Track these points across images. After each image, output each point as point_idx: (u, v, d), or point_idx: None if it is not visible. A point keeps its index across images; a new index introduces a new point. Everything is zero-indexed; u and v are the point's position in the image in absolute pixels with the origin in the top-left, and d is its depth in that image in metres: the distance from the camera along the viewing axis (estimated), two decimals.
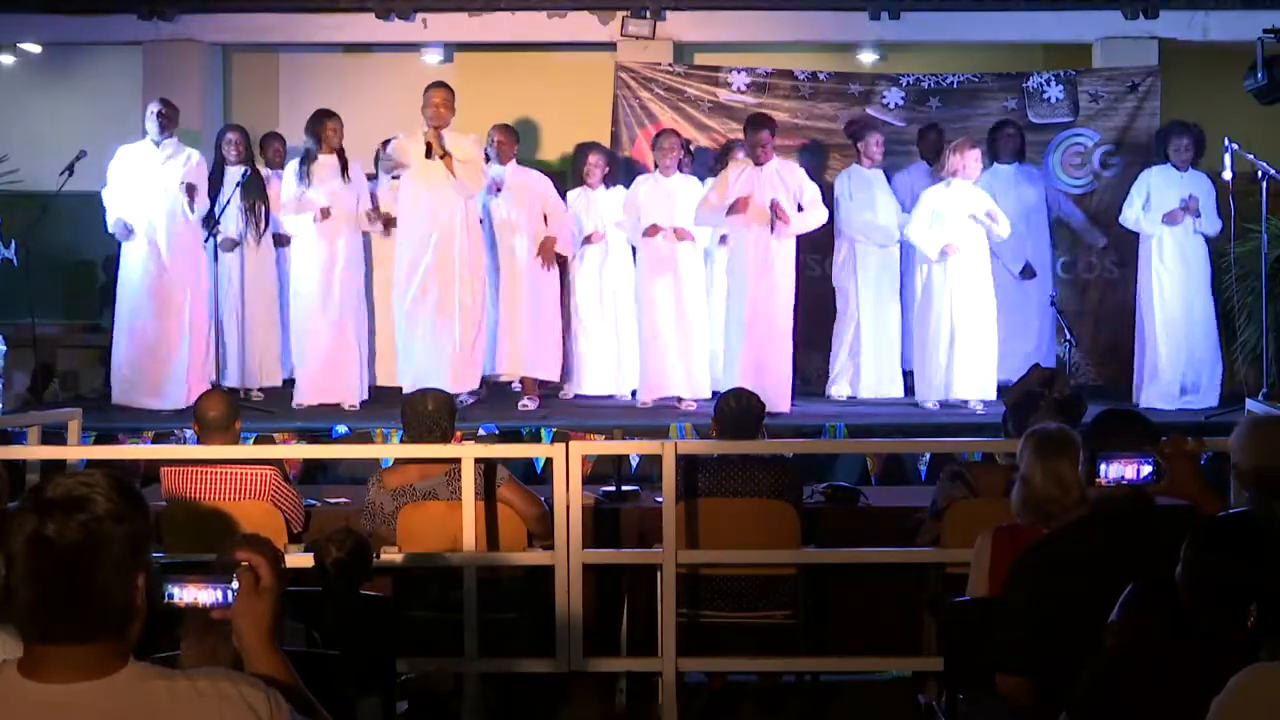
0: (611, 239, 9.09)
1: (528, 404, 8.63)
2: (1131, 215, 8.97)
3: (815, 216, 8.55)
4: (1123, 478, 3.43)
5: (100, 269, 10.79)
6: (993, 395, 8.59)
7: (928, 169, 9.41)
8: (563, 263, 9.08)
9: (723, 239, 8.91)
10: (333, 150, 8.64)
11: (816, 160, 10.02)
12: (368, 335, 8.88)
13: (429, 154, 8.06)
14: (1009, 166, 9.40)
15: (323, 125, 8.61)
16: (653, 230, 8.63)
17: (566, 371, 9.10)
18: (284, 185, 8.78)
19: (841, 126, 9.99)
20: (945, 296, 8.74)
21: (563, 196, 9.06)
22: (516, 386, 8.92)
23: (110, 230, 8.63)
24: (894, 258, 9.26)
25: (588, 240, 9.06)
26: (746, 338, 8.44)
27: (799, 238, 8.79)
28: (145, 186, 8.55)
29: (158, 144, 8.59)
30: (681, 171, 8.94)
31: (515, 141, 8.94)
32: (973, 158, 8.67)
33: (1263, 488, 3.58)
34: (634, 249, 8.99)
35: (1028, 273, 9.37)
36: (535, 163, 10.64)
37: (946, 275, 8.74)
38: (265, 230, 8.90)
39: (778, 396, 8.27)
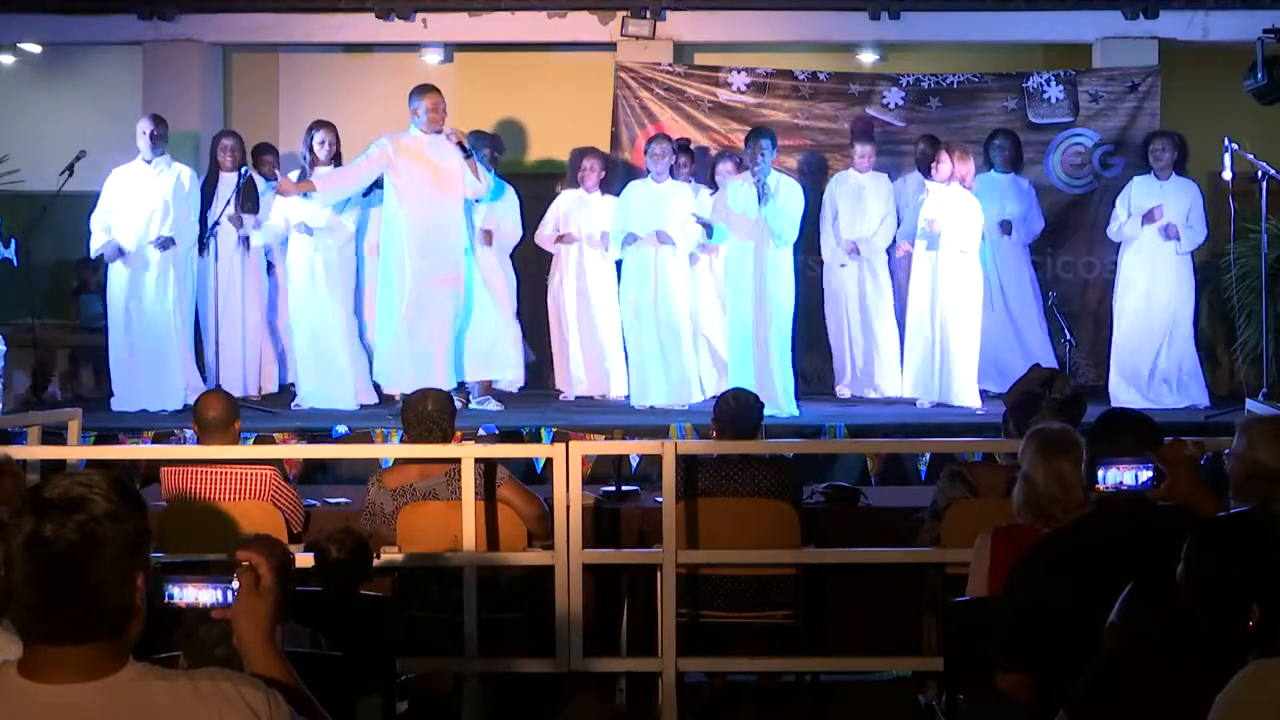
0: (600, 243, 9.06)
1: (489, 403, 8.61)
2: (1114, 227, 9.03)
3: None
4: (1121, 483, 3.44)
5: (74, 270, 10.75)
6: (976, 401, 8.60)
7: (920, 178, 9.41)
8: (545, 266, 9.11)
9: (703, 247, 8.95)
10: (326, 161, 8.61)
11: (816, 161, 10.03)
12: (360, 343, 8.83)
13: (467, 155, 8.04)
14: (1003, 176, 9.39)
15: (310, 141, 8.59)
16: (565, 238, 8.74)
17: (560, 374, 9.10)
18: (275, 205, 8.75)
19: (841, 126, 10.01)
20: (932, 299, 8.75)
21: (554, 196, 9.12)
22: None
23: (99, 253, 8.60)
24: (883, 260, 9.27)
25: (560, 240, 9.06)
26: (747, 344, 8.44)
27: (799, 240, 8.81)
28: (139, 204, 8.56)
29: (149, 162, 8.60)
30: (677, 176, 8.93)
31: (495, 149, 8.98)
32: (949, 161, 8.67)
33: None
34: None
35: (1006, 227, 9.31)
36: (534, 164, 10.67)
37: (933, 277, 8.75)
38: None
39: (783, 400, 8.26)
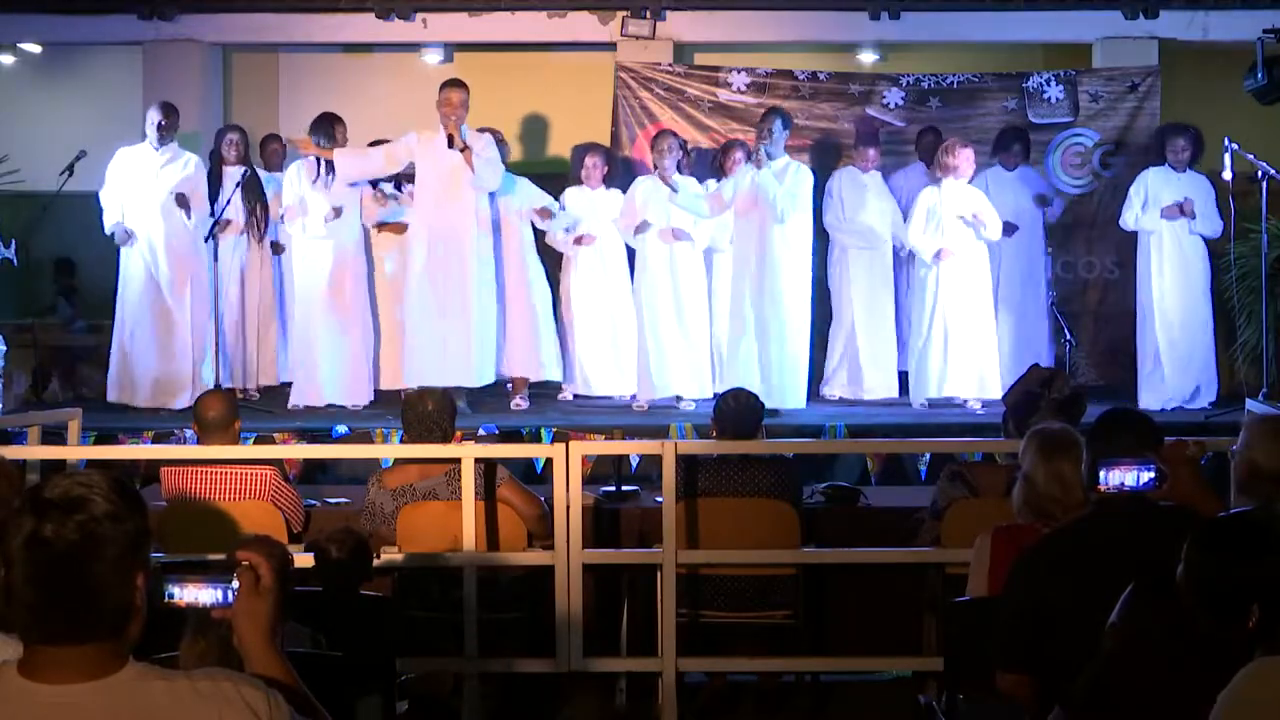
0: (607, 240, 9.06)
1: (520, 403, 8.64)
2: (1130, 216, 8.97)
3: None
4: (1123, 484, 3.43)
5: (54, 269, 10.71)
6: (992, 394, 8.61)
7: (924, 170, 9.42)
8: (556, 262, 9.12)
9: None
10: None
11: (815, 160, 10.02)
12: (374, 338, 8.82)
13: (450, 144, 8.04)
14: (1011, 172, 9.39)
15: (330, 129, 8.57)
16: (642, 225, 8.61)
17: (565, 373, 9.09)
18: (285, 188, 8.77)
19: (841, 127, 10.02)
20: (939, 295, 8.76)
21: (557, 196, 9.11)
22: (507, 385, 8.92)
23: (109, 233, 8.62)
24: (886, 258, 9.28)
25: (578, 242, 9.06)
26: (754, 335, 8.45)
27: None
28: (143, 190, 8.58)
29: (157, 149, 8.62)
30: (681, 172, 8.92)
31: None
32: (965, 158, 8.70)
33: None
34: (630, 250, 8.99)
35: (1042, 200, 9.34)
36: (536, 163, 10.66)
37: (940, 274, 8.76)
38: (265, 231, 8.92)
39: (790, 394, 8.27)
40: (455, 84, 8.19)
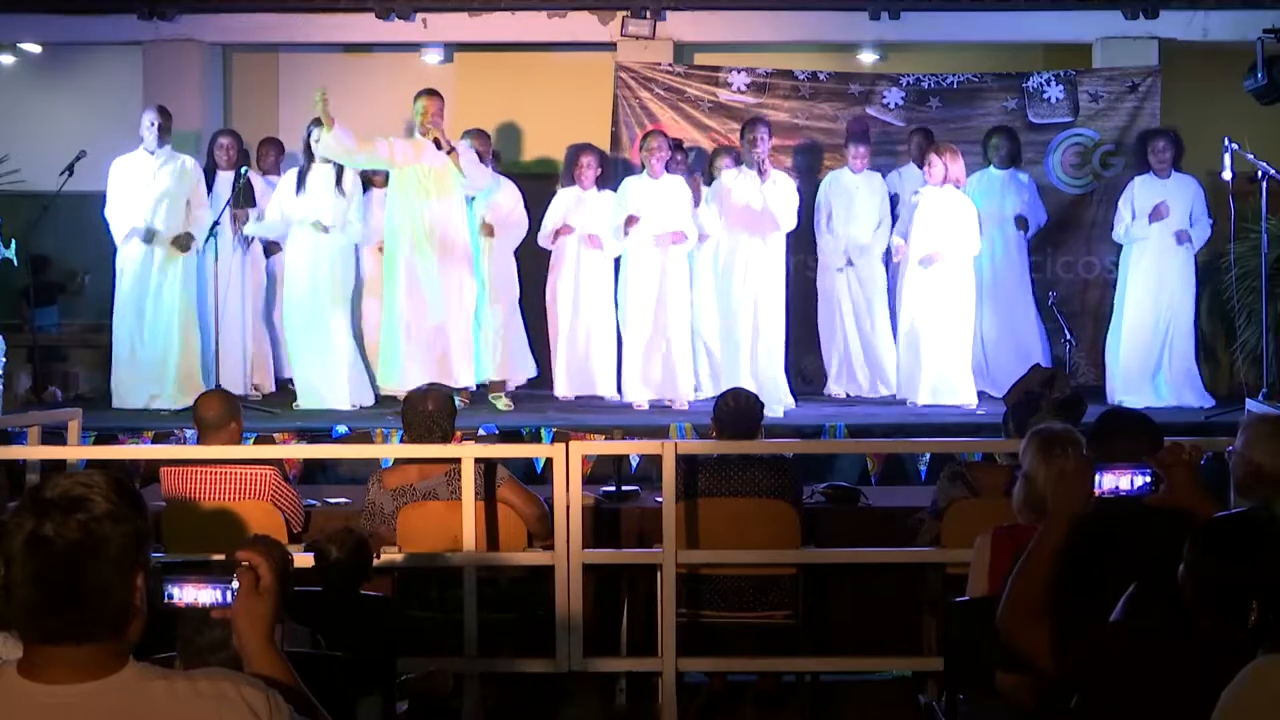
0: (587, 240, 9.05)
1: (500, 402, 8.63)
2: (1121, 229, 9.00)
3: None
4: (1117, 489, 3.42)
5: (28, 268, 10.64)
6: (973, 400, 8.61)
7: (918, 171, 9.42)
8: (544, 263, 9.13)
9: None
10: (327, 160, 8.58)
11: (815, 160, 10.04)
12: (357, 343, 8.82)
13: (439, 146, 8.05)
14: (1002, 172, 9.40)
15: (310, 134, 8.57)
16: (631, 220, 8.56)
17: (551, 372, 9.11)
18: (275, 194, 8.79)
19: (841, 127, 10.01)
20: (921, 299, 8.76)
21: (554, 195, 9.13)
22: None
23: (121, 244, 8.63)
24: (877, 260, 9.27)
25: (559, 233, 9.04)
26: (740, 341, 8.45)
27: (796, 239, 8.79)
28: (142, 195, 8.60)
29: (152, 153, 8.63)
30: (670, 171, 8.90)
31: (490, 146, 8.97)
32: (940, 164, 8.68)
33: None
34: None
35: (1021, 224, 9.34)
36: (534, 163, 10.67)
37: (924, 277, 8.75)
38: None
39: (775, 398, 8.26)
40: (434, 93, 8.23)
